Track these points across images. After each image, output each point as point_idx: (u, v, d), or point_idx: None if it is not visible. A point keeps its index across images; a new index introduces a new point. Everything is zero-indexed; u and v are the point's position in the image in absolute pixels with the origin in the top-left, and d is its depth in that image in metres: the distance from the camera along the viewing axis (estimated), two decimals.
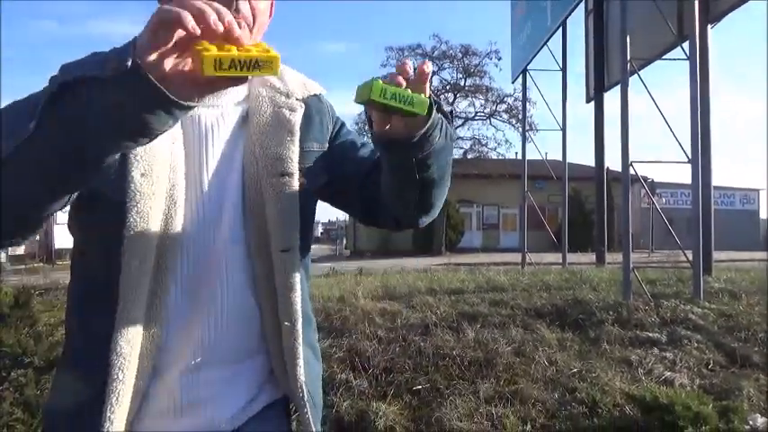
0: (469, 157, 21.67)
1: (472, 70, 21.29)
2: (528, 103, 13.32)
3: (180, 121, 0.74)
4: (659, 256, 13.06)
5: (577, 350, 3.48)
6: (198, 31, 0.62)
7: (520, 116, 13.05)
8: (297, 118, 0.95)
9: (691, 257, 4.62)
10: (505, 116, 21.32)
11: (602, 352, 3.43)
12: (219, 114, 0.91)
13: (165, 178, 0.83)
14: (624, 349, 3.46)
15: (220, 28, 0.63)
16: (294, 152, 0.93)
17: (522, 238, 10.79)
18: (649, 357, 3.32)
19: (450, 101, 21.86)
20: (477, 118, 21.91)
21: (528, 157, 11.39)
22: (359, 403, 2.94)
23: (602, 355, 3.38)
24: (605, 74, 8.79)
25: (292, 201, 0.92)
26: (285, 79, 0.99)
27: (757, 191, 30.99)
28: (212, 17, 0.63)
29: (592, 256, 9.69)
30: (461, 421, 2.72)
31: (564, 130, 9.90)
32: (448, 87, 21.70)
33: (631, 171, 4.84)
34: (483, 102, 21.63)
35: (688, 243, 4.75)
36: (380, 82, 0.74)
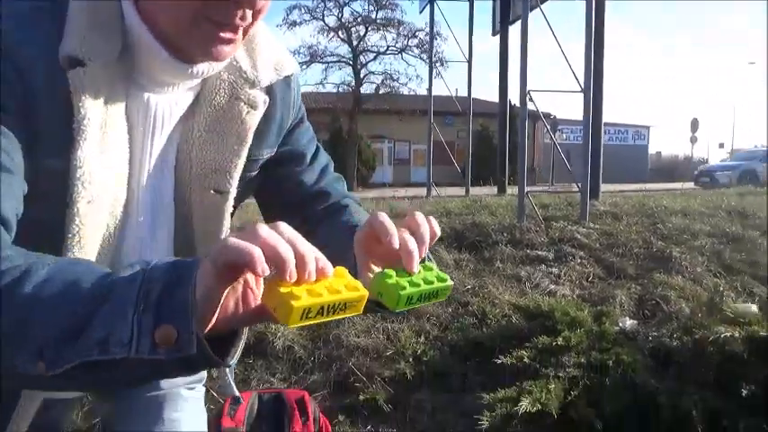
0: (381, 92, 21.54)
1: (383, 2, 20.84)
2: (438, 38, 13.32)
3: (130, 110, 0.69)
4: (558, 187, 13.81)
5: (472, 269, 3.64)
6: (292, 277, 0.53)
7: None
8: (254, 121, 0.80)
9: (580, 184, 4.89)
10: (417, 51, 21.22)
11: (495, 270, 3.61)
12: (174, 101, 0.76)
13: (109, 199, 0.73)
14: (515, 267, 3.65)
15: (311, 277, 0.54)
16: (237, 165, 0.80)
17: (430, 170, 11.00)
18: (537, 273, 3.53)
19: (362, 34, 21.41)
20: (388, 52, 21.66)
21: (438, 92, 11.47)
22: (257, 325, 2.94)
23: (494, 273, 3.56)
24: (510, 6, 8.87)
25: (219, 219, 0.82)
26: (257, 57, 0.80)
27: (648, 127, 33.23)
28: (290, 258, 0.53)
29: (495, 189, 10.08)
30: (359, 337, 2.79)
31: (470, 62, 10.00)
32: (359, 20, 21.18)
33: (533, 106, 4.97)
34: (395, 36, 21.37)
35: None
36: (403, 291, 0.64)
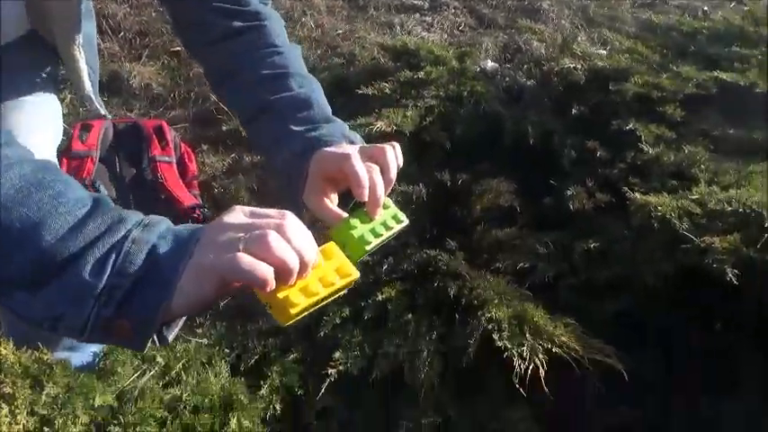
0: None
1: None
2: None
3: None
4: None
5: (345, 15, 3.51)
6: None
7: None
8: None
9: None
10: None
11: (369, 17, 3.50)
12: None
13: None
14: (389, 14, 3.56)
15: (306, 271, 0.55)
16: None
17: None
18: (410, 21, 3.48)
19: None
20: None
21: None
22: (110, 65, 2.72)
23: (367, 20, 3.46)
24: None
25: None
26: None
27: None
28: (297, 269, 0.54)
29: None
30: None
31: None
32: None
33: None
34: None
35: None
36: (368, 246, 0.69)
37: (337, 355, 1.64)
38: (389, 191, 0.75)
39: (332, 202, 0.78)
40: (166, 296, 0.51)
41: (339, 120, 0.88)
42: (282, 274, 0.53)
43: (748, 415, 1.71)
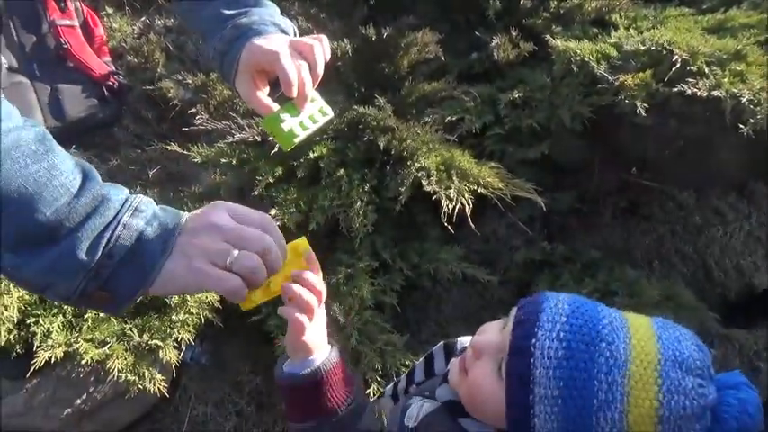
0: None
1: None
2: None
3: None
4: None
5: None
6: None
7: None
8: None
9: None
10: None
11: None
12: None
13: None
14: None
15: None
16: None
17: None
18: None
19: None
20: None
21: None
22: None
23: None
24: None
25: None
26: None
27: None
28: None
29: None
30: None
31: None
32: None
33: None
34: None
35: None
36: (296, 139, 0.78)
37: (273, 212, 1.68)
38: (317, 84, 0.80)
39: (262, 91, 0.83)
40: (145, 282, 0.58)
41: (270, 2, 0.87)
42: (250, 284, 0.61)
43: (656, 241, 1.91)
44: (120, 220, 0.57)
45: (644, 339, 0.62)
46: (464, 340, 0.84)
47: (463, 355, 0.72)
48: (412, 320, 1.83)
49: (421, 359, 0.87)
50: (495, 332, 0.70)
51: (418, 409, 0.76)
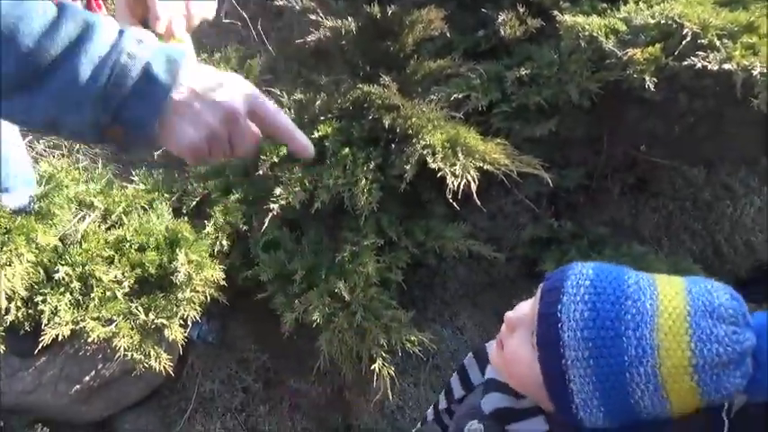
0: None
1: None
2: None
3: None
4: None
5: None
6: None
7: None
8: None
9: None
10: None
11: None
12: None
13: None
14: None
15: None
16: None
17: None
18: None
19: None
20: None
21: None
22: None
23: None
24: None
25: None
26: None
27: None
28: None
29: None
30: None
31: None
32: None
33: None
34: None
35: None
36: None
37: (278, 191, 1.67)
38: (190, 30, 0.85)
39: (138, 23, 0.86)
40: (157, 111, 0.56)
41: None
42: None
43: (665, 218, 1.89)
44: (125, 49, 0.55)
45: (671, 293, 0.61)
46: (492, 344, 0.84)
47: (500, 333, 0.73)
48: (418, 298, 1.83)
49: (454, 375, 0.88)
50: (527, 306, 0.71)
51: None
